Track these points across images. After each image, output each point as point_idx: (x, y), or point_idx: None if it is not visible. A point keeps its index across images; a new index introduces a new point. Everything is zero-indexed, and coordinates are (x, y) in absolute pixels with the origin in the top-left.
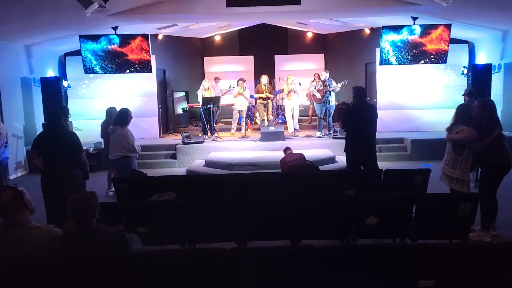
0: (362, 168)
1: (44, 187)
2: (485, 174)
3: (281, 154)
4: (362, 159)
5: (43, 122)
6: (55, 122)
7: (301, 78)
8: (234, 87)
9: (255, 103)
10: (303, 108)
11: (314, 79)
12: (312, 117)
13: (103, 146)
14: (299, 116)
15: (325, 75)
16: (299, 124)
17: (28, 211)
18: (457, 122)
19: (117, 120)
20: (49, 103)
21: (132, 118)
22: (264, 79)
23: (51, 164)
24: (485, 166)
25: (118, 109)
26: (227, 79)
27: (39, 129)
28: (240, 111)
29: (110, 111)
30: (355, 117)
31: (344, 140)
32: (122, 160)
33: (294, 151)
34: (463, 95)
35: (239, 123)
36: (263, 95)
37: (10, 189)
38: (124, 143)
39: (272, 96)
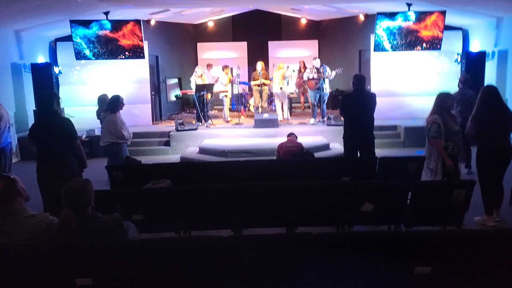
0: (359, 155)
1: (39, 175)
2: (479, 156)
3: (274, 141)
4: (359, 146)
5: (34, 109)
6: (48, 109)
7: (295, 65)
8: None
9: (249, 90)
10: (296, 96)
11: (300, 68)
12: (305, 104)
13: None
14: (293, 103)
15: (315, 62)
16: (292, 111)
17: (22, 199)
18: (432, 112)
19: (108, 106)
20: (40, 89)
21: (124, 104)
22: (259, 65)
23: (46, 152)
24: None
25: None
26: (220, 66)
27: (30, 116)
28: (230, 98)
29: (102, 99)
30: (353, 104)
31: (338, 127)
32: (112, 146)
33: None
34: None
35: (231, 110)
36: (258, 82)
37: (2, 178)
38: (112, 129)
39: (269, 82)
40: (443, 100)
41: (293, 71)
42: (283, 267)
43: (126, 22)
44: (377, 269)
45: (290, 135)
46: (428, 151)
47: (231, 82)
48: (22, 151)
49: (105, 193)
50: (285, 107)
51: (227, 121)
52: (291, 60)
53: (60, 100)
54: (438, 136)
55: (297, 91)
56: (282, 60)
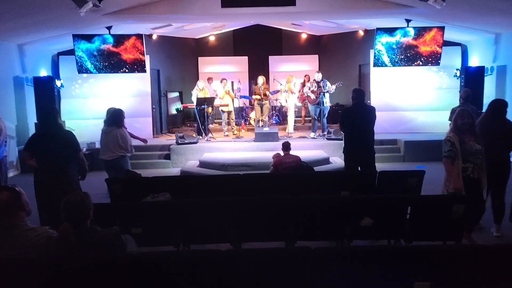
0: (359, 169)
1: (38, 187)
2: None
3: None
4: (359, 160)
5: (36, 121)
6: (52, 122)
7: (295, 79)
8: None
9: (250, 104)
10: (296, 109)
11: (304, 81)
12: (306, 118)
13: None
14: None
15: (317, 76)
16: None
17: (24, 213)
18: (449, 129)
19: (112, 121)
20: (42, 102)
21: (124, 117)
22: (260, 80)
23: (48, 164)
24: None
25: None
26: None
27: (32, 128)
28: (228, 112)
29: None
30: (353, 118)
31: (338, 141)
32: (120, 160)
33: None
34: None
35: (228, 125)
36: (259, 97)
37: (7, 190)
38: (122, 143)
39: (269, 95)
40: (455, 117)
41: (293, 85)
42: (282, 281)
43: (128, 36)
44: (376, 284)
45: (286, 148)
46: (447, 175)
47: (228, 94)
48: (23, 164)
49: (104, 207)
50: (292, 121)
51: (226, 135)
52: (292, 74)
53: (58, 114)
54: (448, 155)
55: (300, 104)
56: (283, 75)
